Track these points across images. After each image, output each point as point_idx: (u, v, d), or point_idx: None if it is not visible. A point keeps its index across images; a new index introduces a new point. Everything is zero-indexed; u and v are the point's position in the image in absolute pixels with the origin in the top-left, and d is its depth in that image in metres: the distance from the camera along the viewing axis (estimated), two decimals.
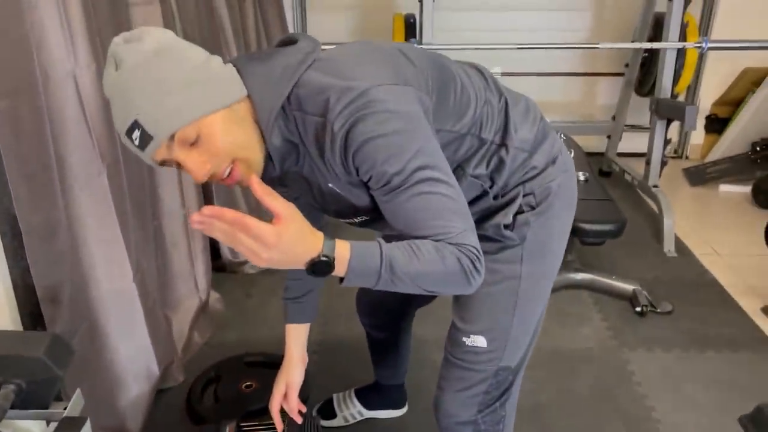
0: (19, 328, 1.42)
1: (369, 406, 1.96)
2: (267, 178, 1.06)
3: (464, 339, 1.26)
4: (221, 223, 0.84)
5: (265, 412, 1.96)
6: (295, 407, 1.44)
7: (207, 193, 2.52)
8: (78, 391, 1.26)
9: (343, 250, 0.92)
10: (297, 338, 1.46)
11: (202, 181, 0.98)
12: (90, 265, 1.63)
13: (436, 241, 0.96)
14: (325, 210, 1.19)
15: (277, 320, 2.41)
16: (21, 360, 1.16)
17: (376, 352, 1.87)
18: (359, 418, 1.97)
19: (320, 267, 0.90)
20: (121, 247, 1.66)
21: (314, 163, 1.05)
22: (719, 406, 2.05)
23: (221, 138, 0.95)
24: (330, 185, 1.07)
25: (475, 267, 0.97)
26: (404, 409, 2.00)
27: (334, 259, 0.91)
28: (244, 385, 2.09)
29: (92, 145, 1.57)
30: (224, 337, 2.40)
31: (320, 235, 0.92)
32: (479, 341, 1.25)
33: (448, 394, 1.31)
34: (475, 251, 0.97)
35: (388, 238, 0.99)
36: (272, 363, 2.21)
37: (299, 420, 1.47)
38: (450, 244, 0.95)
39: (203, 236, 2.39)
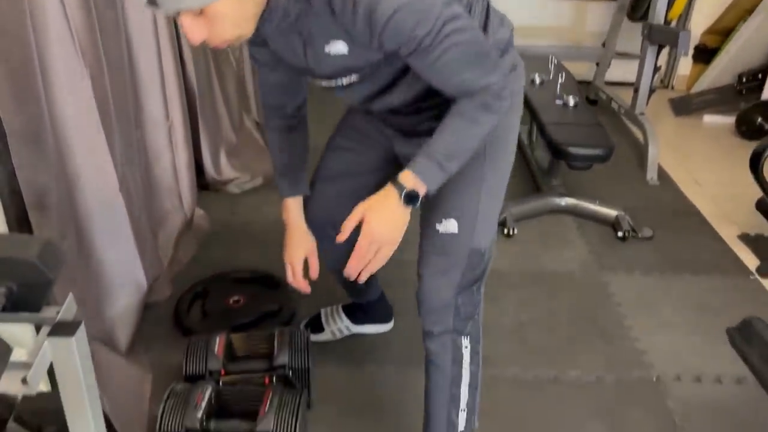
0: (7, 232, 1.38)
1: (356, 321, 1.99)
2: (253, 38, 1.11)
3: (437, 225, 1.32)
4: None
5: (252, 326, 2.01)
6: (317, 271, 1.52)
7: (191, 103, 2.45)
8: (71, 295, 1.25)
9: (409, 176, 1.15)
10: (296, 210, 1.51)
11: (195, 45, 1.07)
12: (75, 173, 1.59)
13: (464, 93, 1.13)
14: (310, 72, 1.23)
15: (262, 238, 2.42)
16: (13, 262, 1.14)
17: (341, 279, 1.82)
18: (347, 333, 2.00)
19: (412, 198, 1.15)
20: (105, 155, 1.62)
21: (320, 23, 1.09)
22: (693, 326, 2.12)
23: (223, 24, 1.01)
24: (330, 48, 1.12)
25: (500, 97, 1.14)
26: (390, 324, 2.04)
27: (410, 190, 1.14)
28: (231, 300, 2.11)
29: (74, 48, 1.50)
30: (210, 254, 2.39)
31: (388, 191, 1.16)
32: (451, 226, 1.31)
33: (427, 282, 1.36)
34: (497, 86, 1.13)
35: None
36: (260, 279, 2.22)
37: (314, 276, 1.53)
38: (476, 94, 1.12)
39: (187, 150, 2.34)
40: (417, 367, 1.74)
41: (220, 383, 1.66)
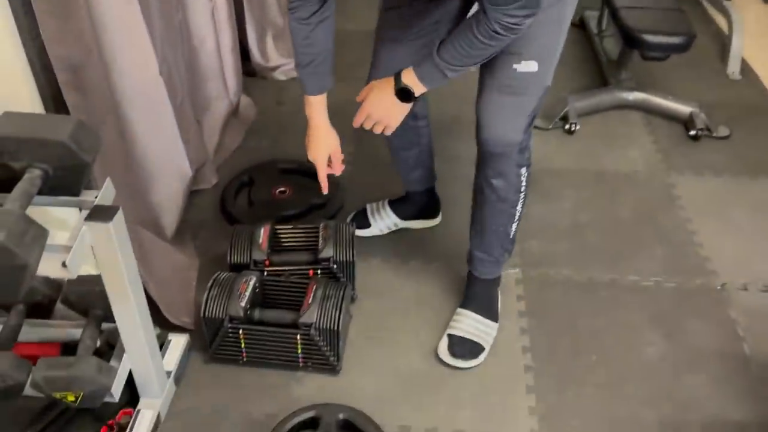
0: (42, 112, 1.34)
1: (403, 216, 1.93)
2: None
3: (515, 66, 1.32)
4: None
5: (298, 218, 1.97)
6: (341, 168, 1.56)
7: None
8: (108, 180, 1.21)
9: (409, 74, 1.29)
10: (320, 107, 1.48)
11: None
12: (112, 54, 1.51)
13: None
14: None
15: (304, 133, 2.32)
16: (46, 143, 1.10)
17: (402, 160, 1.80)
18: (393, 228, 1.94)
19: (404, 94, 1.32)
20: (143, 34, 1.53)
21: None
22: (764, 231, 1.97)
23: None
24: None
25: (510, 29, 1.16)
26: (438, 219, 1.98)
27: (404, 86, 1.30)
28: (278, 191, 2.06)
29: None
30: (256, 143, 2.33)
31: (389, 81, 1.33)
32: (531, 66, 1.32)
33: (496, 125, 1.40)
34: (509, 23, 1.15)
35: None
36: (306, 171, 2.15)
37: (337, 172, 1.56)
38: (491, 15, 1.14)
39: (232, 34, 2.22)
40: (462, 263, 1.69)
41: (265, 273, 1.64)
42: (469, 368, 1.56)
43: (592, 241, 1.94)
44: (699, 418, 1.47)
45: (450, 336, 1.59)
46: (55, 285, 1.42)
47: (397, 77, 1.31)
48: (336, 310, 1.48)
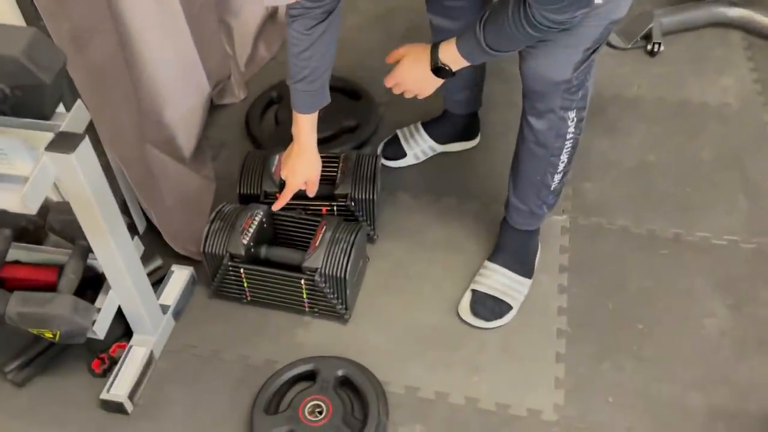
0: (21, 22, 1.19)
1: (440, 140, 1.72)
2: None
3: None
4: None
5: (325, 142, 1.78)
6: (313, 193, 1.45)
7: None
8: (79, 102, 1.07)
9: (448, 50, 1.15)
10: (309, 128, 1.37)
11: None
12: None
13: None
14: None
15: (353, 41, 2.10)
16: None
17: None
18: (431, 154, 1.74)
19: (441, 72, 1.18)
20: None
21: None
22: None
23: None
24: None
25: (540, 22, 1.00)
26: (477, 140, 1.76)
27: (443, 64, 1.16)
28: None
29: None
30: None
31: (425, 52, 1.18)
32: None
33: (540, 56, 1.15)
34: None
35: None
36: (342, 89, 1.95)
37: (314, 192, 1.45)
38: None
39: None
40: (501, 204, 1.48)
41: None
42: (491, 329, 1.39)
43: (659, 187, 1.67)
44: (758, 410, 1.25)
45: (473, 291, 1.41)
46: (42, 210, 1.33)
47: (434, 51, 1.16)
48: (344, 255, 1.33)
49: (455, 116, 1.69)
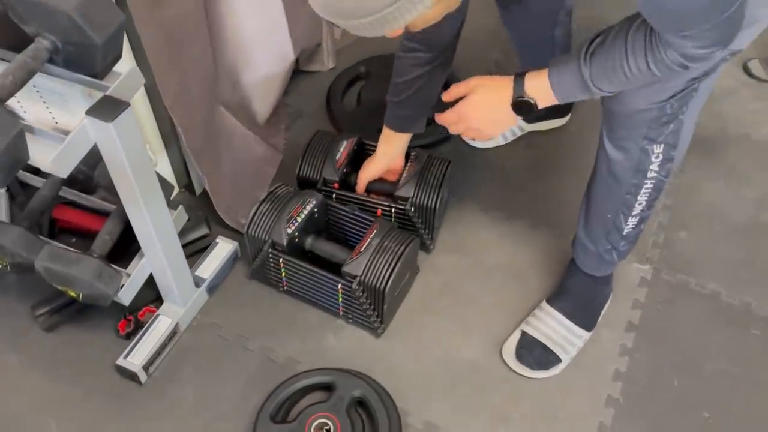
0: None
1: (529, 119, 1.60)
2: None
3: None
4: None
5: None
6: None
7: None
8: (133, 67, 1.00)
9: (537, 81, 0.98)
10: (399, 145, 1.35)
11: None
12: None
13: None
14: None
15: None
16: (51, 12, 0.90)
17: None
18: (519, 134, 1.64)
19: (523, 108, 1.01)
20: None
21: None
22: None
23: None
24: None
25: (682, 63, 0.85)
26: (567, 117, 1.64)
27: (529, 97, 0.99)
28: None
29: None
30: None
31: (506, 85, 1.00)
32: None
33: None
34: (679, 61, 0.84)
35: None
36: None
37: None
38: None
39: None
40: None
41: (334, 197, 1.41)
42: (533, 378, 1.25)
43: None
44: None
45: (523, 333, 1.28)
46: (91, 162, 1.30)
47: (519, 81, 0.99)
48: (388, 268, 1.22)
49: None
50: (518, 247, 1.46)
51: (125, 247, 1.24)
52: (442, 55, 1.22)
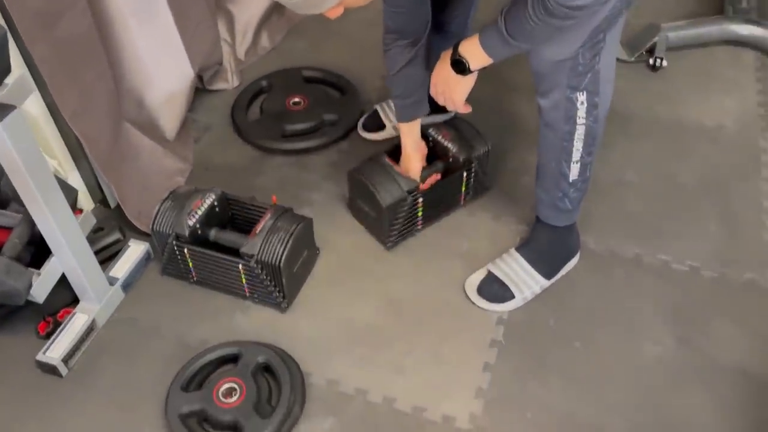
0: None
1: None
2: None
3: None
4: None
5: (305, 134, 1.81)
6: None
7: None
8: (21, 75, 1.12)
9: (469, 43, 1.18)
10: (414, 133, 1.51)
11: None
12: None
13: None
14: None
15: (355, 31, 2.12)
16: None
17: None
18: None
19: (459, 66, 1.21)
20: None
21: None
22: None
23: None
24: None
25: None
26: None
27: (461, 56, 1.19)
28: (292, 102, 1.91)
29: None
30: (293, 45, 2.17)
31: (444, 56, 1.25)
32: None
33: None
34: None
35: None
36: (330, 82, 1.98)
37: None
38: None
39: None
40: (487, 210, 1.46)
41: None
42: (487, 310, 1.41)
43: (630, 207, 1.62)
44: None
45: (488, 272, 1.44)
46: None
47: (456, 45, 1.20)
48: (281, 244, 1.35)
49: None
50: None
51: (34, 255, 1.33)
52: (420, 37, 1.36)
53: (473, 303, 1.42)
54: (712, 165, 1.71)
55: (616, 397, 1.28)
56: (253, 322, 1.43)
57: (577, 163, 1.27)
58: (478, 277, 1.44)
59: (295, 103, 1.90)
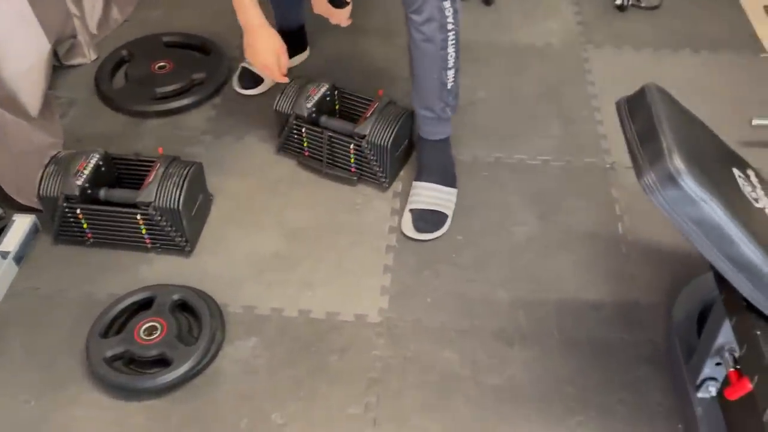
0: None
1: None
2: None
3: None
4: None
5: (177, 95, 1.85)
6: (285, 68, 1.50)
7: None
8: None
9: None
10: (251, 5, 1.40)
11: None
12: None
13: None
14: None
15: (207, 1, 2.16)
16: None
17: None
18: None
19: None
20: None
21: None
22: None
23: None
24: None
25: None
26: (307, 51, 1.96)
27: None
28: (157, 66, 1.92)
29: None
30: (147, 15, 2.17)
31: None
32: None
33: None
34: None
35: None
36: (192, 45, 2.02)
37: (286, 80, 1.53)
38: None
39: None
40: None
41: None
42: (434, 239, 1.53)
43: (484, 120, 1.83)
44: (554, 298, 1.43)
45: (411, 211, 1.54)
46: None
47: None
48: (177, 189, 1.41)
49: (285, 31, 1.79)
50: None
51: None
52: None
53: (421, 241, 1.52)
54: (545, 77, 1.97)
55: (498, 274, 1.47)
56: (159, 271, 1.47)
57: (452, 69, 1.43)
58: (407, 221, 1.53)
59: (160, 67, 1.92)
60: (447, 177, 1.60)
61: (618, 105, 0.99)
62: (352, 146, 1.58)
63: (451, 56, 1.42)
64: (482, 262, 1.50)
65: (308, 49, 1.97)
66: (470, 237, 1.55)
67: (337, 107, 1.72)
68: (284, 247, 1.52)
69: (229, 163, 1.69)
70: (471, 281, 1.46)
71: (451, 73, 1.45)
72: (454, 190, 1.60)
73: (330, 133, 1.59)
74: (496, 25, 2.15)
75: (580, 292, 1.44)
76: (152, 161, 1.49)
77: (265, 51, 1.44)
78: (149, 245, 1.48)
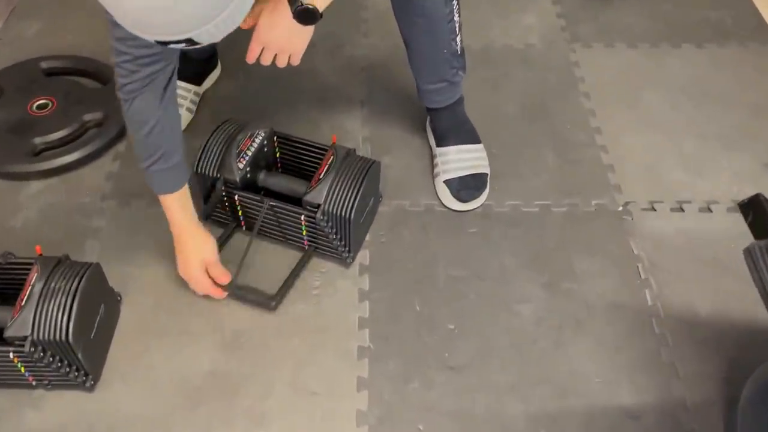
0: None
1: (194, 81, 1.54)
2: None
3: None
4: None
5: (65, 143, 1.42)
6: (227, 275, 1.19)
7: None
8: None
9: None
10: (180, 208, 1.15)
11: None
12: None
13: None
14: None
15: (97, 7, 1.71)
16: None
17: None
18: (198, 100, 1.55)
19: (308, 16, 0.98)
20: None
21: None
22: (684, 124, 1.55)
23: None
24: None
25: None
26: (218, 69, 1.62)
27: (308, 4, 0.96)
28: (35, 105, 1.48)
29: None
30: (21, 31, 1.70)
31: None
32: None
33: None
34: None
35: None
36: (83, 71, 1.58)
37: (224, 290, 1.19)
38: None
39: None
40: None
41: None
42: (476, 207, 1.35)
43: None
44: (580, 408, 1.11)
45: (447, 182, 1.36)
46: None
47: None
48: (63, 313, 1.00)
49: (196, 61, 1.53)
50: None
51: None
52: (174, 62, 1.05)
53: (465, 212, 1.35)
54: (530, 89, 1.62)
55: (504, 376, 1.15)
56: (52, 416, 1.08)
57: (459, 32, 1.30)
58: (445, 194, 1.35)
59: (40, 107, 1.48)
60: (472, 134, 1.43)
61: (749, 253, 0.65)
62: (303, 217, 1.20)
63: (457, 22, 1.28)
64: (483, 361, 1.17)
65: (219, 65, 1.60)
66: (464, 324, 1.21)
67: (278, 155, 1.33)
68: (222, 362, 1.15)
69: (140, 241, 1.29)
70: (472, 391, 1.13)
71: (459, 38, 1.31)
72: (481, 146, 1.43)
73: (272, 202, 1.21)
74: (465, 22, 1.76)
75: (611, 394, 1.12)
76: (30, 264, 1.08)
77: (188, 261, 1.17)
78: (33, 383, 1.08)
